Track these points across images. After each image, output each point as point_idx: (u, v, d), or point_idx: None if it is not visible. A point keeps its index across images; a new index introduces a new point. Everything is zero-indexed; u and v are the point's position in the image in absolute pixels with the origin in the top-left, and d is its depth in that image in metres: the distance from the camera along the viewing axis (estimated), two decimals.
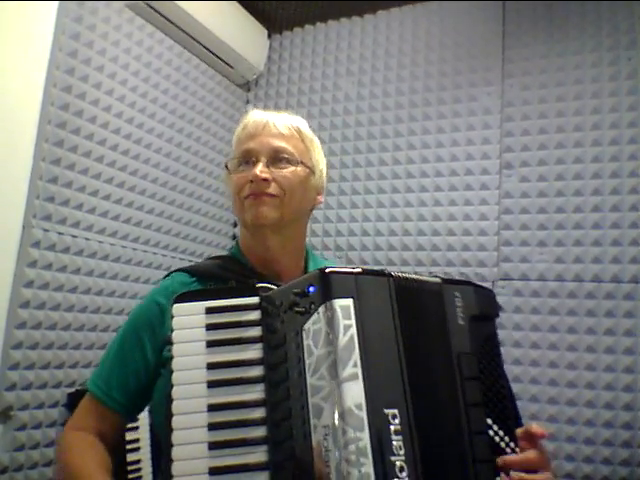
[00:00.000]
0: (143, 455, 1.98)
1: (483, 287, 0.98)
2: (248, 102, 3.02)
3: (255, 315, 0.85)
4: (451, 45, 2.60)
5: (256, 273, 1.08)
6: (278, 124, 1.10)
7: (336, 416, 0.73)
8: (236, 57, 2.73)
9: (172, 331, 0.85)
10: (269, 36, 2.97)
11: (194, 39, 2.51)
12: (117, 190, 2.17)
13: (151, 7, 2.24)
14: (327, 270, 0.82)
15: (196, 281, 1.07)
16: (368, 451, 0.71)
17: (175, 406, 0.79)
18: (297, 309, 0.81)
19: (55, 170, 1.89)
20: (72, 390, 1.95)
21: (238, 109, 2.94)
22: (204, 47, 2.58)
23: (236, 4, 2.66)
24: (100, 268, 2.08)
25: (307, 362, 0.78)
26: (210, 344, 0.84)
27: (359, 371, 0.75)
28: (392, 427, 0.74)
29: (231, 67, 2.78)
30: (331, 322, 0.78)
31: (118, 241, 2.17)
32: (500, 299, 2.30)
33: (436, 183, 2.51)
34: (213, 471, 0.76)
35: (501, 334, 2.36)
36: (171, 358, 0.83)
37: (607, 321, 2.13)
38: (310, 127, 1.16)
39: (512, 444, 0.86)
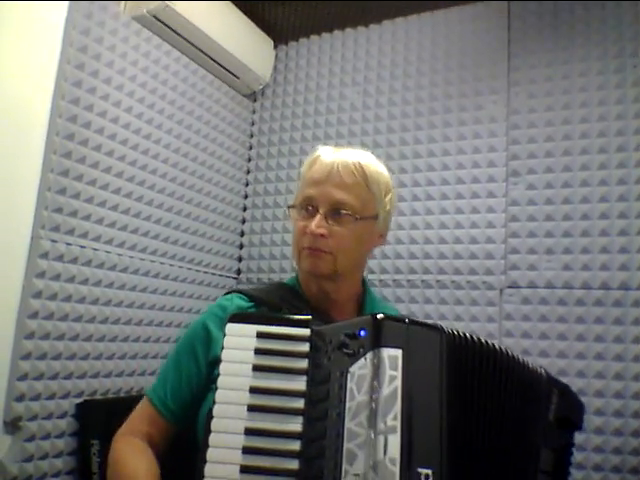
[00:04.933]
0: None
1: (577, 396, 0.99)
2: (254, 112, 3.03)
3: (304, 347, 0.86)
4: (456, 54, 2.61)
5: (309, 306, 1.09)
6: (343, 172, 1.08)
7: (369, 467, 0.72)
8: (242, 68, 2.75)
9: (222, 349, 0.87)
10: (275, 46, 2.99)
11: (200, 50, 2.53)
12: (125, 200, 2.18)
13: (158, 19, 2.26)
14: (379, 316, 0.82)
15: (253, 306, 1.09)
16: None
17: (214, 424, 0.81)
18: (346, 350, 0.81)
19: (63, 181, 1.91)
20: (80, 400, 1.96)
21: (244, 119, 2.96)
22: (210, 58, 2.60)
23: (242, 15, 2.68)
24: (108, 278, 2.09)
25: (348, 405, 0.78)
26: (256, 368, 0.85)
27: (398, 425, 0.74)
28: None
29: (237, 78, 2.80)
30: (377, 370, 0.77)
31: (126, 251, 2.18)
32: (508, 307, 2.29)
33: (442, 191, 2.51)
34: None
35: (509, 342, 2.35)
36: (218, 375, 0.85)
37: (615, 329, 2.11)
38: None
39: None
